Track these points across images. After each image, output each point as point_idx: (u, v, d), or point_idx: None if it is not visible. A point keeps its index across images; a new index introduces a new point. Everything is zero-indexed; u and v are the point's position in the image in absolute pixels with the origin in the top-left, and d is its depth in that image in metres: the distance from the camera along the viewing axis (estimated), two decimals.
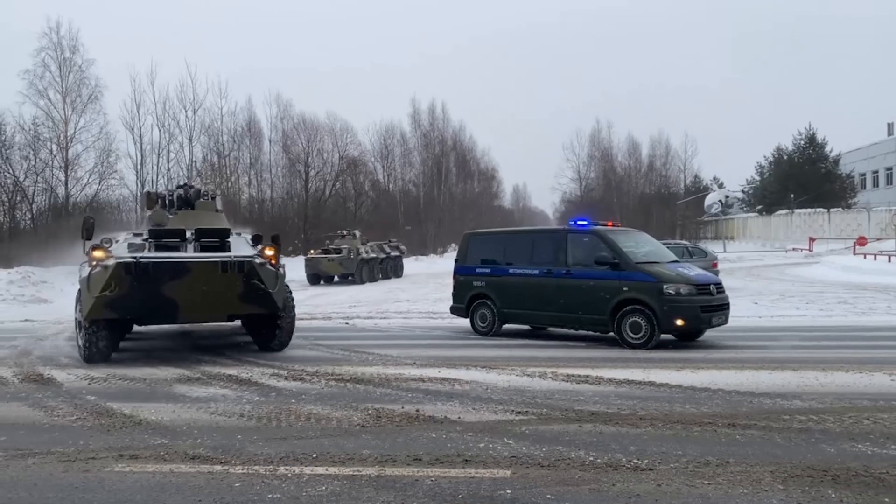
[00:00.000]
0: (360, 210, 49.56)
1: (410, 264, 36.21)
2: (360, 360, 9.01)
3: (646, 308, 9.62)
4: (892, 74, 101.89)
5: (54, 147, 33.45)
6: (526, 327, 11.95)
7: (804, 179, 56.82)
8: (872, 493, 3.88)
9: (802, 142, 60.66)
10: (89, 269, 8.68)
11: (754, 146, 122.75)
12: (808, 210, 54.85)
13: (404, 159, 56.59)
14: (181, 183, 13.25)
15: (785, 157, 61.39)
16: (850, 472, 4.21)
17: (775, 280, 24.84)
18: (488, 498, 3.88)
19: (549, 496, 3.89)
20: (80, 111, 34.00)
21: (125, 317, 9.14)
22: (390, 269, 31.03)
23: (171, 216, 10.43)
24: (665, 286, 9.56)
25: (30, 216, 32.84)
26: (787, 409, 5.88)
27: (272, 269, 9.23)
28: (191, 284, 8.64)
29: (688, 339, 10.28)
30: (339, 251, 27.50)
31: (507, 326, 11.72)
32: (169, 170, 39.30)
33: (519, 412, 5.91)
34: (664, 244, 13.97)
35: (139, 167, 38.23)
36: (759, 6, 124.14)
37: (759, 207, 61.56)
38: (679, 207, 61.63)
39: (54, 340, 11.55)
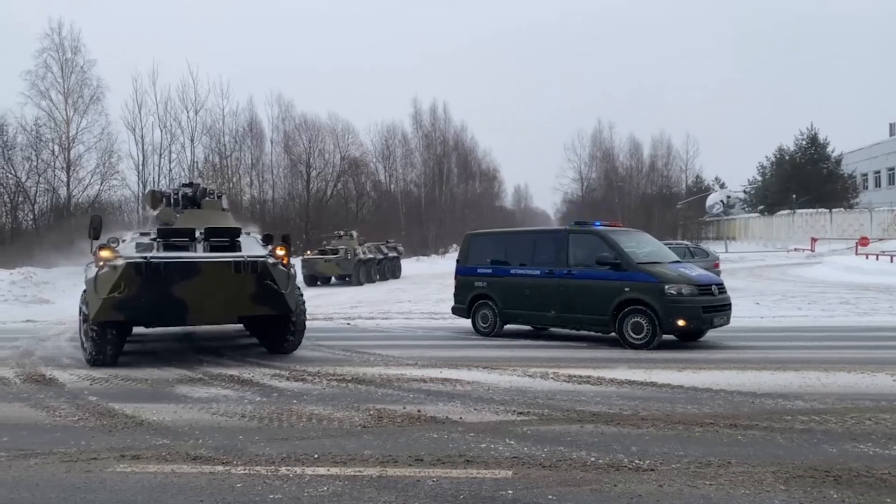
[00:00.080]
0: (362, 211, 49.59)
1: (412, 265, 36.21)
2: (362, 360, 9.01)
3: (647, 308, 9.61)
4: (894, 74, 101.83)
5: (56, 148, 33.61)
6: (527, 328, 11.94)
7: (806, 179, 56.78)
8: (874, 493, 3.88)
9: (804, 142, 60.59)
10: (96, 269, 8.43)
11: (756, 146, 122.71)
12: (810, 210, 54.79)
13: (406, 160, 56.68)
14: (186, 181, 13.02)
15: (787, 158, 61.32)
16: (852, 472, 4.20)
17: (777, 280, 24.81)
18: (490, 498, 3.88)
19: (550, 497, 3.89)
20: (82, 112, 34.14)
21: (133, 319, 8.86)
22: (388, 270, 30.49)
23: (177, 215, 10.25)
24: (667, 286, 9.55)
25: (32, 217, 32.94)
26: (789, 410, 5.87)
27: (284, 269, 9.03)
28: (202, 285, 8.43)
29: (689, 339, 10.28)
30: (335, 252, 26.97)
31: (508, 327, 11.72)
32: (171, 170, 39.42)
33: (520, 413, 5.91)
34: (666, 244, 13.98)
35: (141, 168, 38.38)
36: (759, 6, 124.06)
37: (761, 208, 61.50)
38: (681, 208, 61.60)
39: (56, 341, 11.56)
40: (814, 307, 15.44)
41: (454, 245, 43.12)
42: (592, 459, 4.55)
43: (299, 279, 26.59)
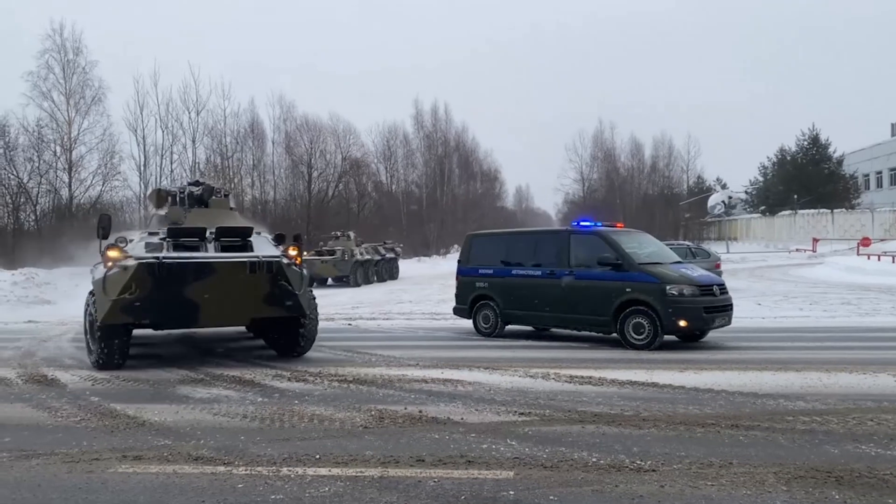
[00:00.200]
0: (363, 211, 49.60)
1: (413, 265, 36.20)
2: (363, 361, 9.01)
3: (649, 309, 9.61)
4: None
5: (58, 149, 33.66)
6: (529, 328, 11.94)
7: (807, 180, 56.77)
8: (876, 494, 3.87)
9: (806, 142, 60.60)
10: (104, 270, 8.15)
11: (757, 147, 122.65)
12: (812, 211, 54.77)
13: (407, 160, 56.69)
14: (192, 180, 12.70)
15: (788, 158, 61.33)
16: (853, 473, 4.20)
17: (779, 281, 24.80)
18: (491, 499, 3.88)
19: (551, 497, 3.89)
20: (84, 113, 34.20)
21: (142, 321, 8.52)
22: (385, 271, 30.02)
23: (186, 215, 9.93)
24: (668, 287, 9.55)
25: (33, 218, 32.98)
26: (791, 411, 5.87)
27: (298, 270, 8.84)
28: (215, 286, 8.20)
29: (691, 340, 10.27)
30: (332, 253, 26.52)
31: (509, 327, 11.72)
32: (172, 171, 39.42)
33: (522, 413, 5.91)
34: (667, 245, 13.98)
35: (142, 169, 38.38)
36: (760, 6, 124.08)
37: (763, 208, 61.50)
38: (682, 208, 61.60)
39: (58, 342, 11.57)
40: (815, 308, 15.43)
41: (455, 245, 43.14)
42: (594, 460, 4.55)
43: None
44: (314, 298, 9.66)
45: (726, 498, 3.84)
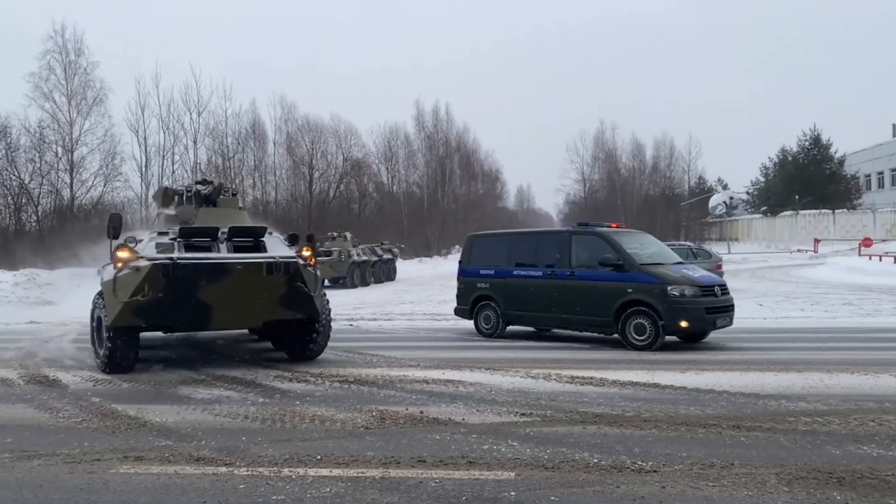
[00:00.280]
0: (364, 212, 49.63)
1: (414, 266, 36.18)
2: (365, 361, 9.01)
3: (650, 310, 9.60)
4: None
5: (59, 149, 33.74)
6: (530, 329, 11.94)
7: (809, 180, 56.74)
8: (878, 495, 3.87)
9: (807, 143, 60.57)
10: (114, 271, 7.88)
11: (758, 147, 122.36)
12: (813, 211, 54.74)
13: (408, 161, 56.70)
14: (200, 178, 12.42)
15: (790, 159, 61.30)
16: (855, 474, 4.19)
17: (780, 281, 24.79)
18: (492, 500, 3.88)
19: (553, 498, 3.89)
20: (86, 114, 34.27)
21: (153, 323, 8.26)
22: (382, 272, 29.68)
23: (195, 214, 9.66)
24: (669, 288, 9.55)
25: (35, 218, 33.05)
26: (792, 411, 5.86)
27: (312, 271, 8.70)
28: (230, 288, 7.95)
29: (692, 340, 10.27)
30: (329, 254, 26.17)
31: (510, 328, 11.72)
32: (174, 172, 39.50)
33: (523, 414, 5.91)
34: (668, 245, 13.98)
35: (144, 169, 38.45)
36: (759, 6, 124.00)
37: (764, 209, 61.46)
38: (683, 209, 61.58)
39: (59, 342, 11.58)
40: (817, 308, 15.42)
41: (456, 246, 43.12)
42: (595, 461, 4.55)
43: None
44: (328, 300, 9.45)
45: (728, 499, 3.84)
